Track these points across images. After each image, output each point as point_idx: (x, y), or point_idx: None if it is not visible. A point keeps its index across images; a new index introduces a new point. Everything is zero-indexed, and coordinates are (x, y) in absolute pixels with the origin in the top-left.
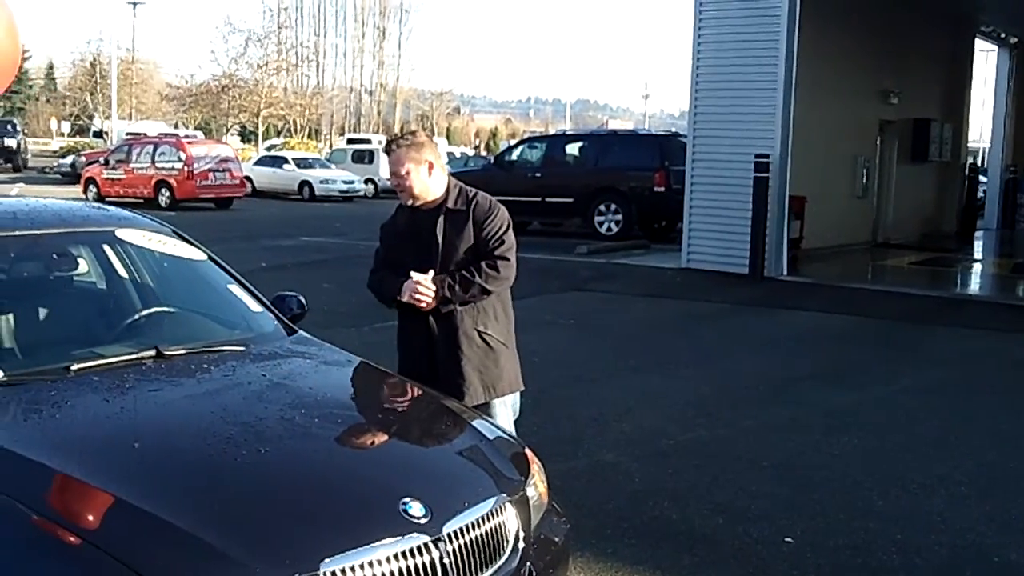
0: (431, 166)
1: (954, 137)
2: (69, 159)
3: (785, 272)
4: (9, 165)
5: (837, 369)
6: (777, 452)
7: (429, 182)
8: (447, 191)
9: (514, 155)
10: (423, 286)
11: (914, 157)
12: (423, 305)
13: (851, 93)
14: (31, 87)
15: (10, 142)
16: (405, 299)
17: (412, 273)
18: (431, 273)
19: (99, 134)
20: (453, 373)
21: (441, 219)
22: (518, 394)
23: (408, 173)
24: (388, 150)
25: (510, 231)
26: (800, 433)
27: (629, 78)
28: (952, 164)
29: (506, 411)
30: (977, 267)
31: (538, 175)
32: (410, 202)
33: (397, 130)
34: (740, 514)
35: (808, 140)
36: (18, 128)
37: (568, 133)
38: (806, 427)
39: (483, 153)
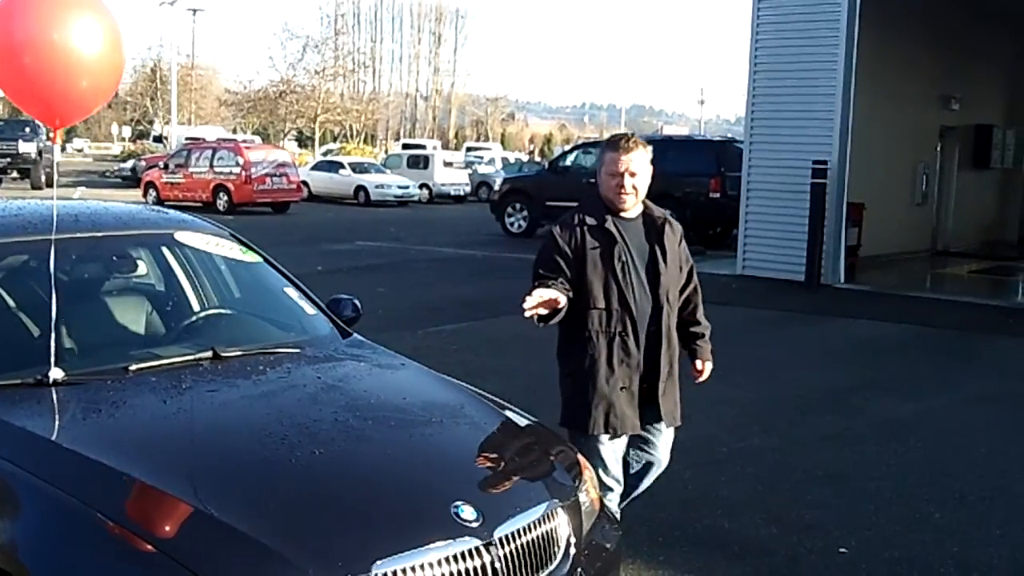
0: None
1: (1017, 143)
2: (129, 163)
3: (842, 280)
4: (26, 180)
5: (895, 379)
6: (832, 462)
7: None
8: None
9: (568, 160)
10: None
11: (976, 164)
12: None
13: (911, 98)
14: None
15: (26, 148)
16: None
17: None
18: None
19: (159, 139)
20: (672, 395)
21: (666, 231)
22: None
23: (647, 177)
24: (624, 147)
25: None
26: (856, 443)
27: (685, 83)
28: (1015, 171)
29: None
30: None
31: (592, 180)
32: (625, 208)
33: (452, 135)
34: (794, 524)
35: (867, 146)
36: (40, 131)
37: None
38: (862, 437)
39: (537, 158)
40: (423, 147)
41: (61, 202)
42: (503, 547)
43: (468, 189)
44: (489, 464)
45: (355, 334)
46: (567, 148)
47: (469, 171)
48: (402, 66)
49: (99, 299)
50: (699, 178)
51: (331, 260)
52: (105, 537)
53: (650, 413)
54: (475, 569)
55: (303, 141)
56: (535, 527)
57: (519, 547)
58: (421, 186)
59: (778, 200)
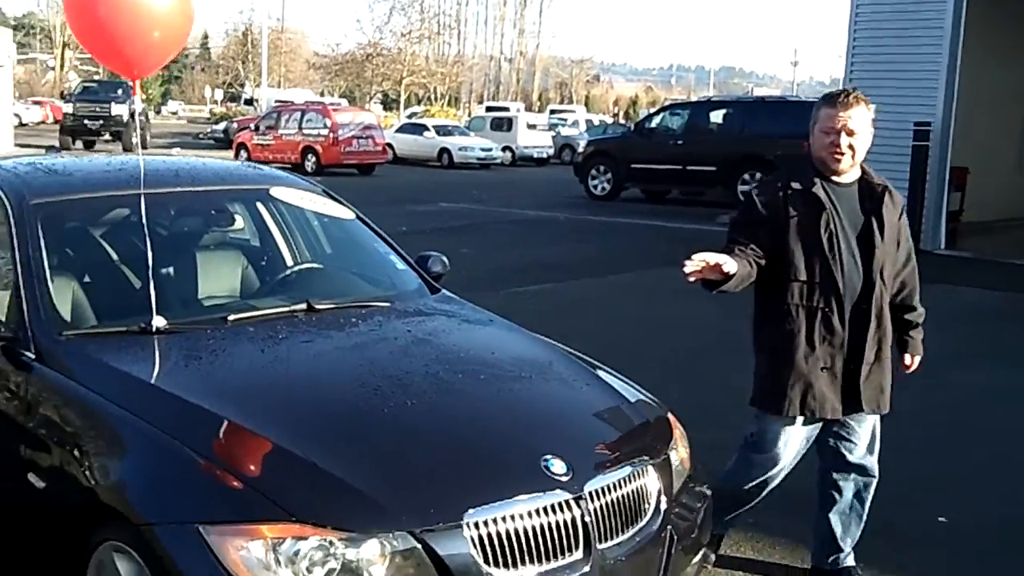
0: None
1: None
2: (222, 125)
3: (943, 246)
4: (118, 142)
5: (995, 347)
6: (929, 431)
7: None
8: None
9: (655, 122)
10: None
11: None
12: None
13: (1022, 57)
14: (187, 56)
15: (119, 110)
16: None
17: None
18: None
19: (249, 101)
20: (877, 380)
21: (885, 201)
22: None
23: (867, 138)
24: (843, 102)
25: None
26: (954, 412)
27: (777, 44)
28: None
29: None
30: None
31: (680, 142)
32: (839, 171)
33: (536, 98)
34: (889, 493)
35: (972, 107)
36: (131, 94)
37: (713, 100)
38: (961, 406)
39: (622, 121)
40: (507, 109)
41: (160, 159)
42: (593, 501)
43: (551, 152)
44: (579, 420)
45: (443, 290)
46: (653, 110)
47: (552, 133)
48: (487, 28)
49: (198, 252)
50: (792, 140)
51: (415, 221)
52: (203, 476)
53: (852, 401)
54: (565, 522)
55: (388, 104)
56: (625, 483)
57: (609, 502)
58: (504, 148)
59: (877, 163)
